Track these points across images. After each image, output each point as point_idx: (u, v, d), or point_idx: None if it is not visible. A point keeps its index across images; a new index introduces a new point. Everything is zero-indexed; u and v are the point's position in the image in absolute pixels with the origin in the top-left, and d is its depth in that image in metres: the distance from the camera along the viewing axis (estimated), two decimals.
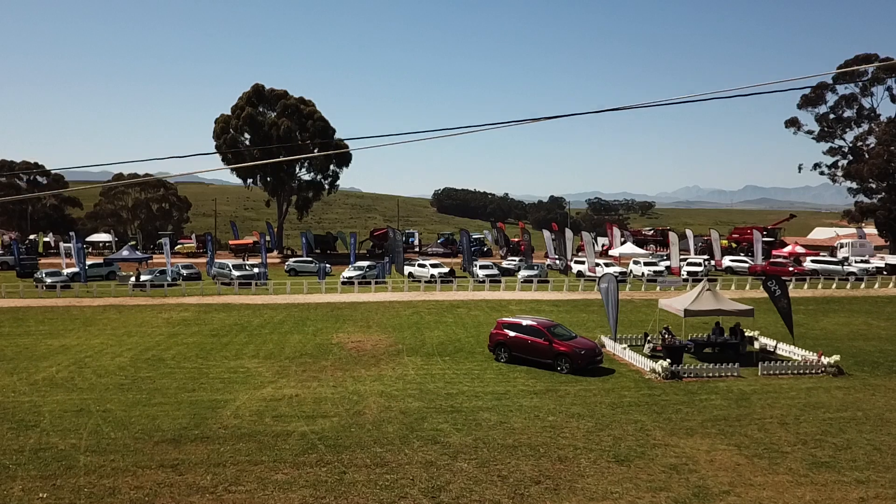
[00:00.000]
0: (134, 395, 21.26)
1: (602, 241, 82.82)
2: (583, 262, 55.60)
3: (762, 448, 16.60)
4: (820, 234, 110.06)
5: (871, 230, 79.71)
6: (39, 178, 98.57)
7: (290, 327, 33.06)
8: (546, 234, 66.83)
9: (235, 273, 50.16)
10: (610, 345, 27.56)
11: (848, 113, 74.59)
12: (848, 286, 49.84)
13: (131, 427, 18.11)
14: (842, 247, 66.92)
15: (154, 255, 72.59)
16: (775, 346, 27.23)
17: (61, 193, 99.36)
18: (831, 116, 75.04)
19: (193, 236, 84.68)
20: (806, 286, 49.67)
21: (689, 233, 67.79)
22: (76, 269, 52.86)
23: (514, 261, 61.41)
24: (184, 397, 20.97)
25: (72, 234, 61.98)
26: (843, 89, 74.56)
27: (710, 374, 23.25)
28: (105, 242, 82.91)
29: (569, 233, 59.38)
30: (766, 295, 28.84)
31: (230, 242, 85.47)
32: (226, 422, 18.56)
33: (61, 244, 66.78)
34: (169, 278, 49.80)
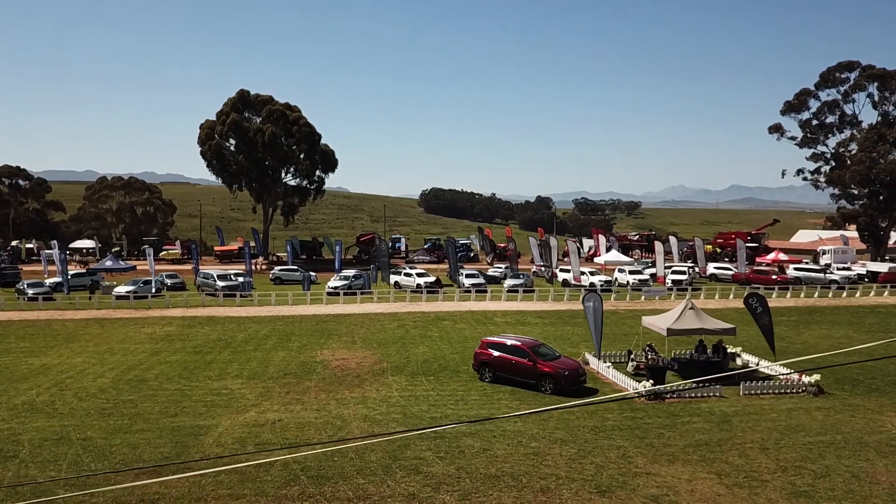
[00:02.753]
0: (115, 420, 21.09)
1: (588, 243, 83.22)
2: (568, 271, 55.79)
3: (742, 476, 16.73)
4: (803, 237, 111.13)
5: (852, 233, 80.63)
6: (21, 182, 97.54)
7: (275, 343, 32.93)
8: (532, 241, 67.03)
9: (220, 284, 49.86)
10: (594, 363, 27.68)
11: (830, 119, 75.35)
12: (830, 295, 50.38)
13: (112, 457, 17.98)
14: (824, 253, 67.62)
15: (139, 261, 72.13)
16: (757, 364, 27.44)
17: (44, 197, 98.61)
18: (814, 122, 75.75)
19: (178, 243, 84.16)
20: (788, 295, 50.13)
21: (672, 239, 68.19)
22: (59, 279, 52.39)
23: (501, 268, 61.57)
24: (166, 423, 20.84)
25: (54, 242, 61.31)
26: (825, 96, 75.39)
27: (692, 395, 23.40)
28: (89, 249, 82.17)
29: (553, 241, 59.54)
30: None
31: (215, 248, 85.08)
32: (208, 450, 18.47)
33: (43, 251, 66.14)
34: (153, 289, 49.41)
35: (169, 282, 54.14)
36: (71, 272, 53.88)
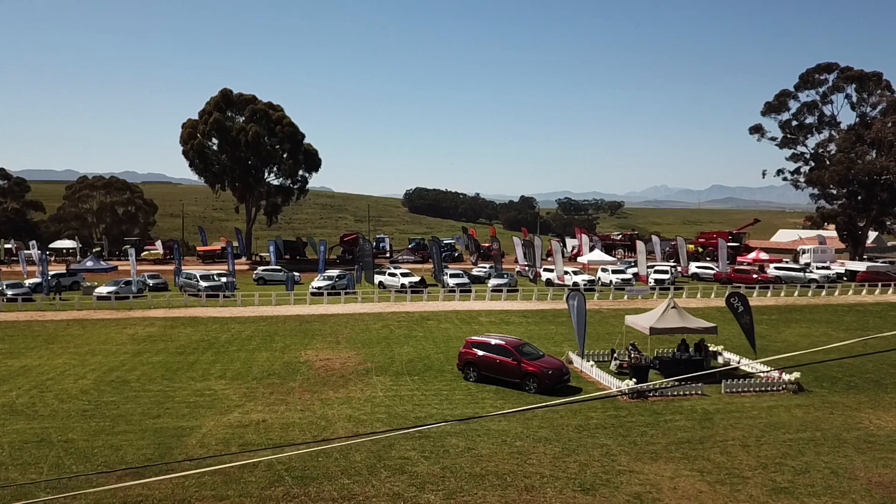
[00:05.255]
0: (97, 422, 20.90)
1: (571, 243, 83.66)
2: (552, 270, 56.04)
3: (724, 473, 16.93)
4: (783, 236, 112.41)
5: (831, 233, 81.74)
6: None
7: (258, 343, 32.77)
8: (516, 240, 67.23)
9: (203, 284, 49.51)
10: (577, 361, 27.85)
11: (809, 120, 76.22)
12: (809, 293, 51.00)
13: (94, 459, 17.83)
14: (803, 252, 68.44)
15: (120, 261, 71.46)
16: (738, 362, 27.75)
17: (23, 197, 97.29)
18: (794, 123, 76.57)
19: (159, 243, 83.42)
20: (769, 294, 50.70)
21: (655, 238, 68.78)
22: (38, 280, 51.79)
23: (485, 268, 61.69)
24: (148, 424, 20.69)
25: (33, 242, 60.54)
26: (804, 97, 76.27)
27: (675, 393, 23.62)
28: (69, 249, 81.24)
29: (538, 241, 59.77)
30: None
31: (198, 248, 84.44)
32: (191, 451, 18.37)
33: (22, 252, 65.27)
34: (134, 289, 48.95)
35: (151, 282, 53.69)
36: (52, 272, 53.22)
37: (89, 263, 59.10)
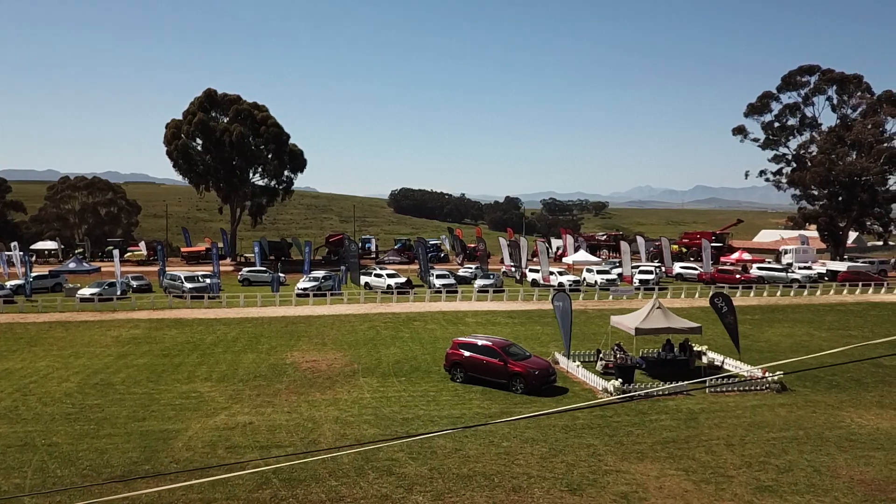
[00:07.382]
0: (82, 425, 20.73)
1: (556, 243, 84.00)
2: (537, 271, 56.24)
3: (709, 472, 17.10)
4: (766, 236, 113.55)
5: (813, 233, 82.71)
6: None
7: (244, 345, 32.63)
8: (501, 241, 67.40)
9: (187, 285, 49.20)
10: (563, 362, 28.00)
11: (791, 121, 77.08)
12: (791, 293, 51.60)
13: (79, 463, 17.69)
14: (786, 253, 69.21)
15: (102, 262, 70.85)
16: (723, 362, 28.01)
17: (3, 197, 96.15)
18: (776, 125, 77.41)
19: (143, 244, 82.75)
20: (752, 293, 51.22)
21: (639, 239, 69.22)
22: (20, 281, 51.22)
23: (471, 268, 61.79)
24: (134, 427, 20.55)
25: (14, 243, 59.78)
26: (786, 98, 77.15)
27: (660, 393, 23.80)
28: (51, 250, 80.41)
29: (523, 241, 60.01)
30: None
31: (182, 249, 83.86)
32: (177, 454, 18.28)
33: (3, 253, 64.52)
34: (118, 291, 48.55)
35: (134, 284, 53.26)
36: (33, 274, 52.66)
37: (72, 265, 58.55)
